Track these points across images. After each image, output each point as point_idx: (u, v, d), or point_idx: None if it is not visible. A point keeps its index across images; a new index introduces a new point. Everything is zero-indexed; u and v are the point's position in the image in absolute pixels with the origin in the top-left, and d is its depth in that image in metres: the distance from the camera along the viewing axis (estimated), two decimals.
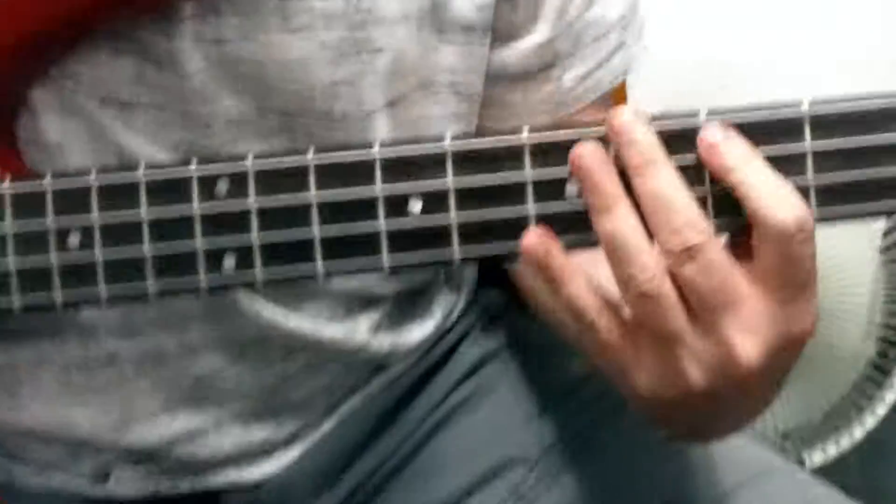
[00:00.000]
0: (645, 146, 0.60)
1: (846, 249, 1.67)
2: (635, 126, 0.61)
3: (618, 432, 0.86)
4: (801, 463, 0.89)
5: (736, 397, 0.64)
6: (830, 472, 1.76)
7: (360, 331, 0.82)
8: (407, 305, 0.87)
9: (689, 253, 0.60)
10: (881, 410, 1.75)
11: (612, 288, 0.62)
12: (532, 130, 0.62)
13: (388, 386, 0.87)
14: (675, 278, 0.61)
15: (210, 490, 0.82)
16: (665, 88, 1.73)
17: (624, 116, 0.61)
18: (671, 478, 0.84)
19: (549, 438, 0.87)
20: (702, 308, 0.61)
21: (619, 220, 0.60)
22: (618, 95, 0.89)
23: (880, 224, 1.65)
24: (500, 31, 0.79)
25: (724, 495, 0.83)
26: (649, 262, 0.60)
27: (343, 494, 0.86)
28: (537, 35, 0.80)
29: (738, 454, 0.85)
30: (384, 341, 0.84)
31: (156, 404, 0.78)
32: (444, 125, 0.79)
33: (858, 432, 1.75)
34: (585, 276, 0.61)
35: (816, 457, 1.73)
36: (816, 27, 1.71)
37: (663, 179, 0.60)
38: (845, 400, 1.75)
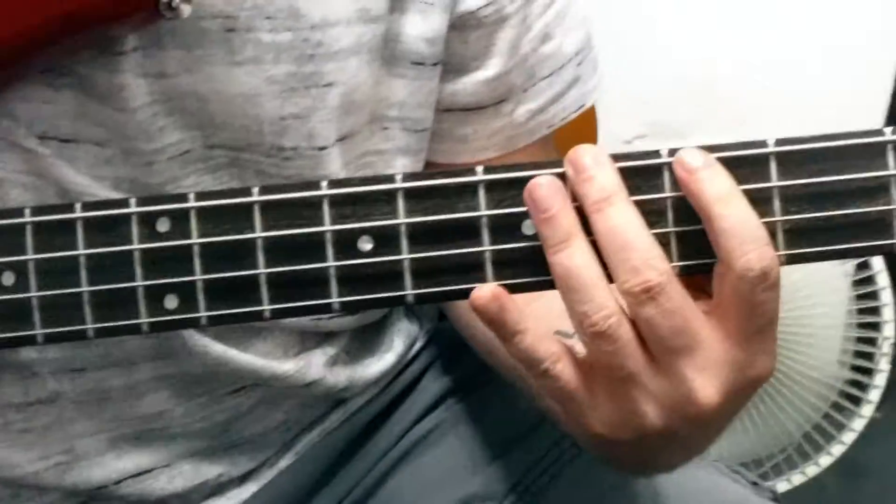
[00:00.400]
0: (605, 182, 0.58)
1: (819, 278, 1.67)
2: (596, 161, 0.59)
3: (586, 468, 0.83)
4: (773, 492, 0.87)
5: (691, 435, 0.62)
6: (806, 495, 1.76)
7: (314, 365, 0.80)
8: (365, 339, 0.85)
9: (649, 294, 0.58)
10: (849, 438, 1.75)
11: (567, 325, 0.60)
12: (487, 169, 0.60)
13: (346, 420, 0.85)
14: (633, 319, 0.59)
15: None
16: (635, 114, 1.73)
17: (583, 152, 0.59)
18: None
19: (513, 476, 0.84)
20: (660, 349, 0.59)
21: (575, 256, 0.58)
22: (587, 121, 0.87)
23: None
24: (451, 65, 0.77)
25: None
26: (606, 301, 0.58)
27: None
28: (490, 69, 0.78)
29: (712, 493, 0.83)
30: (340, 376, 0.82)
31: (100, 444, 0.75)
32: (393, 160, 0.77)
33: (825, 460, 1.75)
34: (538, 328, 0.60)
35: (781, 486, 1.73)
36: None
37: (623, 216, 0.58)
38: (817, 427, 1.75)
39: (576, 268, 0.58)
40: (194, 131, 0.70)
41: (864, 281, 1.73)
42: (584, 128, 0.86)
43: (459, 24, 0.76)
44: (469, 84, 0.78)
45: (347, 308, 0.61)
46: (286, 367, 0.78)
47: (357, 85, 0.72)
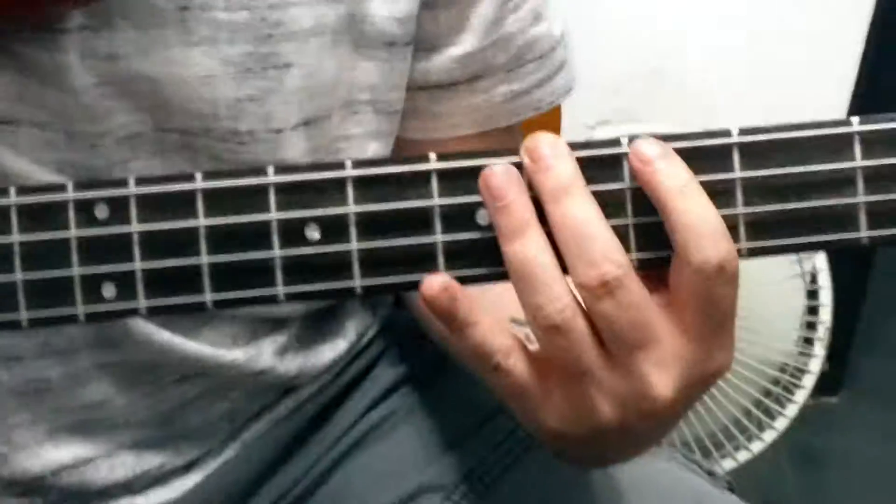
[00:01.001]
0: (562, 172, 0.56)
1: (766, 265, 1.66)
2: (554, 150, 0.56)
3: (539, 462, 0.81)
4: (729, 482, 0.86)
5: (646, 429, 0.61)
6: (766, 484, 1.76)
7: (264, 354, 0.77)
8: (317, 326, 0.82)
9: (606, 288, 0.56)
10: (781, 424, 1.75)
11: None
12: (440, 157, 0.58)
13: (296, 409, 0.82)
14: (588, 312, 0.57)
15: None
16: (600, 99, 1.72)
17: (541, 141, 0.57)
18: None
19: (465, 466, 0.82)
20: (616, 344, 0.57)
21: (530, 246, 0.56)
22: (551, 110, 0.85)
23: None
24: (423, 43, 0.75)
25: None
26: (560, 293, 0.56)
27: None
28: (462, 46, 0.76)
29: (668, 485, 0.82)
30: (292, 364, 0.79)
31: (38, 435, 0.73)
32: (364, 144, 0.75)
33: (757, 446, 1.74)
34: (490, 320, 0.58)
35: (727, 463, 1.73)
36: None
37: (580, 207, 0.56)
38: (757, 407, 1.75)
39: (530, 259, 0.56)
40: (145, 114, 0.67)
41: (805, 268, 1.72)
42: (547, 112, 0.84)
43: (431, 2, 0.74)
44: (441, 61, 0.76)
45: (293, 299, 0.59)
46: (235, 355, 0.76)
47: (319, 67, 0.70)
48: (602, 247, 0.56)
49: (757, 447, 1.74)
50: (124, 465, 0.76)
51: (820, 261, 1.73)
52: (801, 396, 1.75)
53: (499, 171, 0.56)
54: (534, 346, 0.59)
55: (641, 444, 0.65)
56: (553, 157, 0.56)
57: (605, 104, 1.70)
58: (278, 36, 0.68)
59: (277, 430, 0.82)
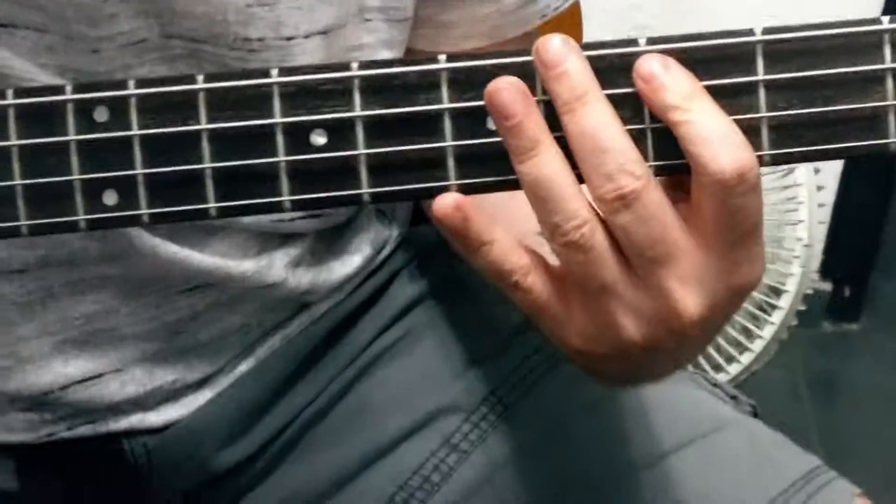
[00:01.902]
0: (576, 79, 0.54)
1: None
2: (567, 56, 0.54)
3: (558, 384, 0.80)
4: (752, 406, 0.84)
5: (675, 348, 0.59)
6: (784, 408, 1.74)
7: (275, 266, 0.75)
8: (331, 240, 0.80)
9: (624, 201, 0.54)
10: (758, 346, 1.72)
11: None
12: (450, 58, 0.56)
13: (310, 326, 0.80)
14: (608, 227, 0.55)
15: (112, 433, 0.76)
16: (622, 17, 1.69)
17: (553, 45, 0.54)
18: (617, 433, 0.79)
19: (484, 388, 0.80)
20: (638, 259, 0.56)
21: (544, 165, 0.54)
22: (572, 21, 0.83)
23: None
24: None
25: (672, 450, 0.78)
26: (578, 210, 0.55)
27: (260, 441, 0.80)
28: None
29: (690, 408, 0.81)
30: (303, 278, 0.77)
31: (45, 348, 0.72)
32: (376, 53, 0.73)
33: (734, 368, 1.72)
34: (507, 238, 0.56)
35: (720, 376, 1.71)
36: None
37: (596, 117, 0.54)
38: (734, 328, 1.72)
39: (544, 177, 0.54)
40: (150, 19, 0.65)
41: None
42: (569, 29, 0.82)
43: None
44: None
45: (299, 207, 0.57)
46: (245, 266, 0.74)
47: None
48: (619, 158, 0.54)
49: (734, 369, 1.72)
50: (135, 380, 0.75)
51: (800, 174, 1.68)
52: (777, 317, 1.71)
53: (504, 87, 0.55)
54: (555, 262, 0.58)
55: (671, 362, 0.64)
56: (566, 62, 0.54)
57: (625, 21, 1.67)
58: None
59: (291, 347, 0.80)
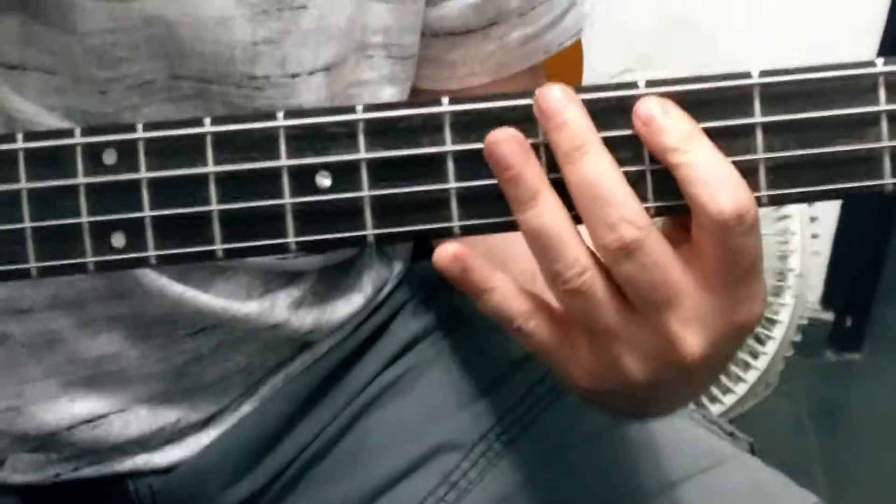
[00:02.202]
0: (575, 129, 0.55)
1: None
2: (566, 106, 0.55)
3: (558, 419, 0.80)
4: (750, 443, 0.85)
5: (679, 385, 0.60)
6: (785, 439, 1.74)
7: (278, 307, 0.76)
8: (333, 280, 0.81)
9: (627, 250, 0.55)
10: (752, 377, 1.72)
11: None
12: (453, 101, 0.57)
13: (312, 365, 0.81)
14: (610, 274, 0.56)
15: (117, 474, 0.77)
16: (623, 47, 1.69)
17: (552, 95, 0.55)
18: (616, 467, 0.79)
19: (485, 424, 0.81)
20: (641, 303, 0.56)
21: (543, 214, 0.55)
22: (573, 55, 0.84)
23: None
24: None
25: (671, 486, 0.78)
26: (578, 257, 0.56)
27: (263, 479, 0.81)
28: None
29: (688, 444, 0.81)
30: (306, 318, 0.78)
31: (52, 388, 0.72)
32: (379, 90, 0.74)
33: (730, 399, 1.72)
34: (508, 284, 0.57)
35: (717, 407, 1.71)
36: None
37: (596, 167, 0.55)
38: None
39: (544, 225, 0.55)
40: (160, 61, 0.66)
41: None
42: (570, 60, 0.83)
43: None
44: (455, 7, 0.75)
45: (305, 248, 0.58)
46: (249, 308, 0.75)
47: (333, 8, 0.69)
48: (620, 209, 0.55)
49: (730, 400, 1.72)
50: (139, 420, 0.75)
51: (792, 206, 1.69)
52: (771, 347, 1.71)
53: (503, 140, 0.55)
54: (557, 308, 0.59)
55: (677, 398, 0.65)
56: (566, 112, 0.55)
57: (628, 51, 1.68)
58: None
59: (294, 386, 0.81)
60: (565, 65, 0.83)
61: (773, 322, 1.72)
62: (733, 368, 1.72)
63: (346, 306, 0.82)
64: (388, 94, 0.74)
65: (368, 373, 0.83)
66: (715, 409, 1.72)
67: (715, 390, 1.73)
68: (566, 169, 0.55)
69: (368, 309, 0.84)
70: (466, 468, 0.80)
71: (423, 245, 0.88)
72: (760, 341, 1.72)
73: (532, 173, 0.55)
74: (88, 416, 0.74)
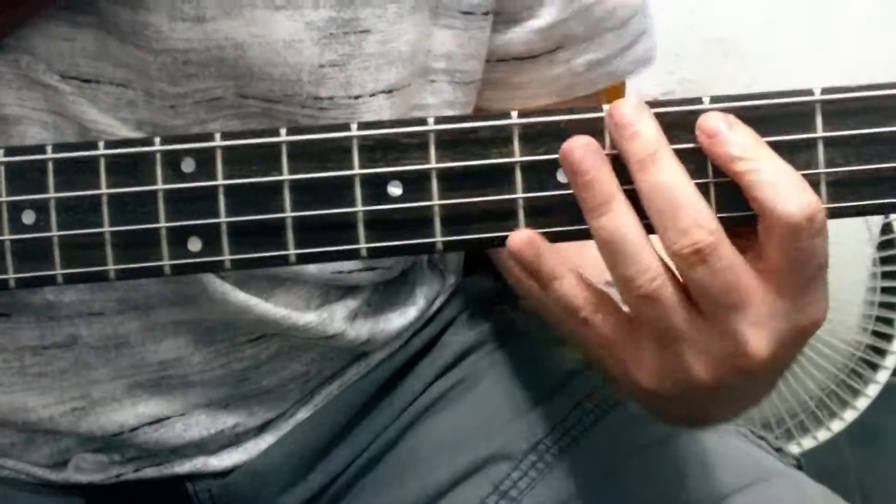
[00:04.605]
0: (648, 138, 0.57)
1: (842, 240, 1.62)
2: (639, 117, 0.57)
3: (608, 431, 0.82)
4: (797, 459, 0.85)
5: (742, 388, 0.61)
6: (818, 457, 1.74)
7: (336, 318, 0.78)
8: (388, 293, 0.83)
9: (699, 255, 0.56)
10: (862, 404, 1.72)
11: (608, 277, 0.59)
12: (521, 114, 0.59)
13: (366, 375, 0.83)
14: (681, 278, 0.57)
15: (177, 476, 0.79)
16: (665, 70, 1.70)
17: (626, 107, 0.57)
18: (665, 480, 0.80)
19: (536, 435, 0.82)
20: (710, 307, 0.58)
21: (616, 220, 0.57)
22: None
23: (878, 217, 1.61)
24: (503, 15, 0.75)
25: (720, 499, 0.79)
26: (651, 264, 0.57)
27: (317, 485, 0.82)
28: (542, 18, 0.76)
29: (736, 459, 0.82)
30: (362, 329, 0.80)
31: (117, 390, 0.74)
32: (438, 113, 0.75)
33: (837, 425, 1.72)
34: (577, 274, 0.58)
35: (807, 442, 1.70)
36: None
37: (669, 173, 0.57)
38: (831, 393, 1.72)
39: (617, 231, 0.57)
40: (227, 80, 0.68)
41: (887, 244, 1.68)
42: (614, 86, 0.84)
43: None
44: (521, 34, 0.76)
45: (375, 254, 0.60)
46: (308, 318, 0.77)
47: (397, 33, 0.70)
48: (692, 214, 0.56)
49: (823, 436, 1.73)
50: (199, 424, 0.77)
51: None
52: (883, 377, 1.71)
53: (578, 146, 0.57)
54: (624, 309, 0.60)
55: (739, 403, 0.66)
56: (638, 122, 0.57)
57: (668, 75, 1.69)
58: (359, 1, 0.68)
59: (348, 395, 0.83)
60: (608, 87, 0.84)
61: (885, 353, 1.72)
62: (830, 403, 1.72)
63: (400, 318, 0.83)
64: None
65: (421, 383, 0.85)
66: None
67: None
68: (639, 177, 0.57)
69: (422, 321, 0.85)
70: (517, 478, 0.81)
71: (476, 260, 0.90)
72: (874, 368, 1.72)
73: (606, 178, 0.57)
74: (151, 418, 0.75)
